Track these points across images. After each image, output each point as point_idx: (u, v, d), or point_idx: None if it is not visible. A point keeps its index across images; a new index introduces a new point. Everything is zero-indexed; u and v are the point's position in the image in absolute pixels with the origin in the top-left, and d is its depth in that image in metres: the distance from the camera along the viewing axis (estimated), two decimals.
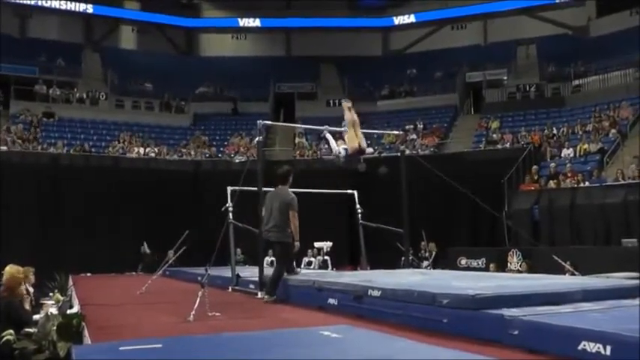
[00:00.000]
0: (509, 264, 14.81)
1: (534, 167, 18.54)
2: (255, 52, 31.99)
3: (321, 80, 29.84)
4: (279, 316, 6.86)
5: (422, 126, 24.42)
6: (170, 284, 11.86)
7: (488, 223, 17.94)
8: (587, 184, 16.89)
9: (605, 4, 27.03)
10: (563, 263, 11.43)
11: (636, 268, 9.86)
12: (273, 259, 16.61)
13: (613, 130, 19.22)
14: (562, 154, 19.31)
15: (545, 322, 4.45)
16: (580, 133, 20.15)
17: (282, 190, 8.50)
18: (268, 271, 8.85)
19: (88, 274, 16.08)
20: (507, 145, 20.94)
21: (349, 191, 12.37)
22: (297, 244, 8.40)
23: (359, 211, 11.92)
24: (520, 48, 28.08)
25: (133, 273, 16.04)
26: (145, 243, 18.07)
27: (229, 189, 10.58)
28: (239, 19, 32.03)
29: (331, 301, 7.01)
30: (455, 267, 15.25)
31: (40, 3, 28.55)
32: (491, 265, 14.73)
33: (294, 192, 8.67)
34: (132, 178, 19.74)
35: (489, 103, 25.86)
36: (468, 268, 15.25)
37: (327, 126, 9.54)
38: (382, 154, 20.63)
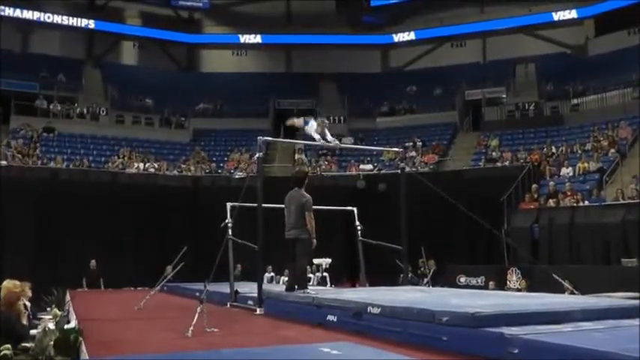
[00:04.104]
0: (508, 282, 14.79)
1: (534, 186, 18.53)
2: (256, 68, 32.13)
3: (321, 97, 29.89)
4: (277, 333, 6.83)
5: (421, 143, 24.43)
6: (168, 300, 11.81)
7: (487, 241, 17.90)
8: (586, 203, 16.88)
9: (604, 24, 27.19)
10: (563, 282, 11.40)
11: (636, 288, 9.86)
12: (272, 274, 16.73)
13: (612, 150, 19.26)
14: (561, 173, 19.30)
15: (545, 340, 4.43)
16: (579, 152, 20.18)
17: (297, 193, 8.84)
18: (267, 287, 8.84)
19: (85, 289, 16.06)
20: (507, 164, 20.93)
21: (348, 208, 12.37)
22: (314, 241, 8.75)
23: (358, 227, 11.91)
24: (519, 66, 28.16)
25: (132, 288, 15.94)
26: (93, 260, 17.47)
27: (229, 205, 10.59)
28: (240, 36, 32.17)
29: (330, 317, 6.98)
30: (454, 284, 15.22)
31: (42, 18, 28.65)
32: (491, 283, 14.72)
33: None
34: (131, 193, 19.70)
35: (488, 121, 25.88)
36: (467, 286, 15.23)
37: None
38: (381, 172, 20.65)
